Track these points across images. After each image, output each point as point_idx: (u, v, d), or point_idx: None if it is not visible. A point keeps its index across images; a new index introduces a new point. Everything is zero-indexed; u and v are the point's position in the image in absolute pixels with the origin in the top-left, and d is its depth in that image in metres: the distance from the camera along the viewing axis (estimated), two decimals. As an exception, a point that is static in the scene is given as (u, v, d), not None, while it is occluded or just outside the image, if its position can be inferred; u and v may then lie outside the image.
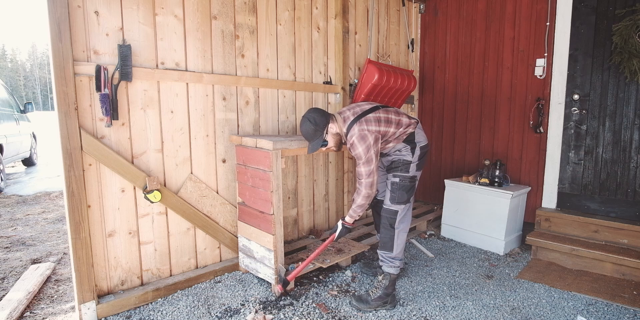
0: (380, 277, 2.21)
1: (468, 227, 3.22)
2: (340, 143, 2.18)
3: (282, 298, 2.22)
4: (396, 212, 2.18)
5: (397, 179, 2.17)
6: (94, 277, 1.95)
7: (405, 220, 2.22)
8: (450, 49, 3.75)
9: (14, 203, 4.52)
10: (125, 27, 1.99)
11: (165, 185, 2.22)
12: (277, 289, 2.20)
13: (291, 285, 2.31)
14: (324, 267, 2.48)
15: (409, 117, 2.20)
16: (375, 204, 2.47)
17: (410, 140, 2.17)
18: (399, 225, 2.19)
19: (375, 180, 2.06)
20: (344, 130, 2.07)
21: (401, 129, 2.13)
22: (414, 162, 2.17)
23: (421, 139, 2.21)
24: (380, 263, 2.23)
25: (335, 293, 2.31)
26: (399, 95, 3.35)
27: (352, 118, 2.06)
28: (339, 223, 2.21)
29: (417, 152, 2.18)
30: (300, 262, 2.45)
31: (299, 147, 2.25)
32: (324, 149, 2.20)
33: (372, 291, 2.18)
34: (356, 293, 2.31)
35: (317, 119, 2.07)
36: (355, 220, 2.19)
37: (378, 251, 2.26)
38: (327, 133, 2.10)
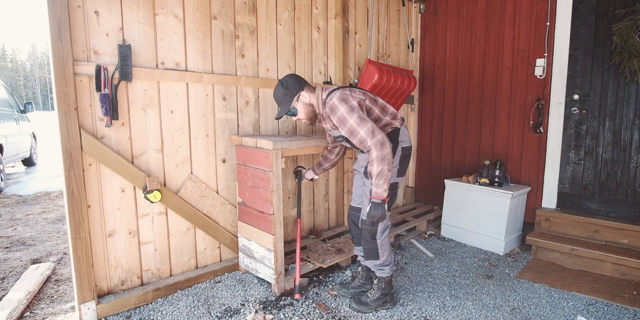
0: (375, 281, 2.19)
1: (468, 227, 3.22)
2: (314, 117, 2.02)
3: (282, 298, 2.22)
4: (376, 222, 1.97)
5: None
6: (94, 277, 1.95)
7: (386, 229, 2.06)
8: (450, 49, 3.75)
9: (14, 203, 4.52)
10: (125, 27, 1.99)
11: (165, 185, 2.22)
12: (298, 296, 2.21)
13: (291, 285, 2.31)
14: (324, 267, 2.48)
15: (395, 110, 2.04)
16: (351, 214, 2.24)
17: (393, 138, 1.96)
18: (380, 236, 2.03)
19: (385, 138, 1.74)
20: (323, 97, 1.92)
21: (387, 118, 1.96)
22: (395, 166, 1.96)
23: (405, 138, 2.01)
24: (373, 270, 2.15)
25: (335, 293, 2.31)
26: (399, 95, 3.35)
27: (335, 87, 1.93)
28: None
29: (399, 153, 1.98)
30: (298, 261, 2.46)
31: (298, 147, 2.25)
32: (294, 119, 2.05)
33: (370, 293, 2.17)
34: (356, 295, 2.27)
35: (290, 83, 1.95)
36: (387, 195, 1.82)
37: (366, 262, 2.12)
38: (297, 101, 1.96)
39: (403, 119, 2.04)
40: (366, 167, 1.92)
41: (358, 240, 2.23)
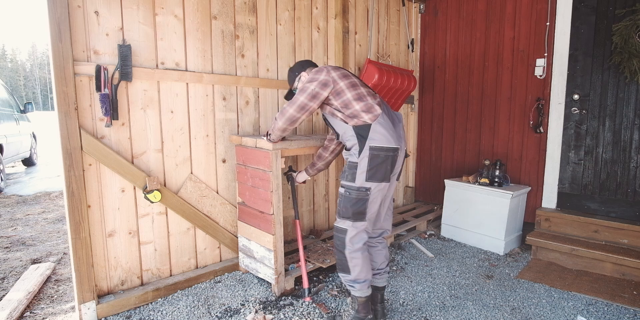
0: (349, 299, 2.02)
1: (468, 227, 3.22)
2: None
3: (282, 298, 2.22)
4: (345, 230, 1.83)
5: (342, 190, 1.83)
6: (94, 277, 1.95)
7: (357, 241, 1.83)
8: (450, 49, 3.75)
9: (14, 203, 4.52)
10: (125, 27, 1.99)
11: (165, 185, 2.22)
12: (308, 299, 2.18)
13: (291, 285, 2.31)
14: (324, 267, 2.48)
15: (378, 105, 1.82)
16: (336, 236, 2.07)
17: (361, 133, 1.77)
18: (350, 247, 1.82)
19: (292, 117, 1.86)
20: None
21: (356, 108, 1.79)
22: (363, 170, 1.75)
23: (378, 137, 1.74)
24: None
25: (335, 293, 2.31)
26: (399, 95, 3.35)
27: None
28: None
29: (366, 152, 1.74)
30: (299, 262, 2.46)
31: (298, 147, 2.25)
32: None
33: (345, 315, 2.00)
34: (330, 314, 2.08)
35: (296, 66, 2.09)
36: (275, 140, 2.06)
37: (339, 274, 1.94)
38: (298, 81, 2.07)
39: (380, 117, 1.79)
40: (345, 167, 1.87)
41: None
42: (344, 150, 1.93)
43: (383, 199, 1.90)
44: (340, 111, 1.84)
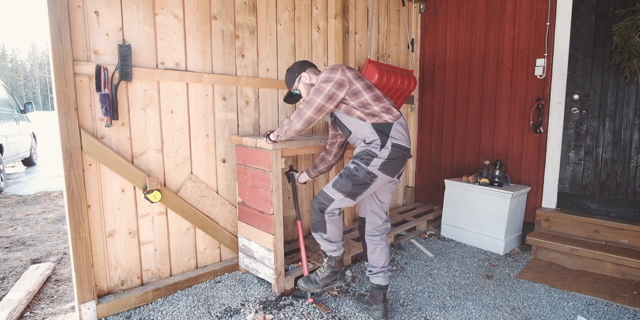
0: (325, 260, 2.09)
1: (468, 227, 3.22)
2: None
3: (282, 298, 2.22)
4: (332, 200, 1.89)
5: (352, 165, 1.86)
6: (94, 277, 1.95)
7: (336, 210, 1.94)
8: (450, 49, 3.75)
9: (14, 203, 4.52)
10: (125, 27, 1.99)
11: (165, 185, 2.22)
12: (310, 301, 2.18)
13: (291, 285, 2.31)
14: (324, 267, 2.48)
15: (395, 108, 1.91)
16: (360, 224, 2.19)
17: (383, 131, 1.83)
18: (329, 212, 1.92)
19: (309, 119, 1.87)
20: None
21: (376, 108, 1.84)
22: (380, 158, 1.81)
23: (399, 136, 1.84)
24: (321, 247, 2.06)
25: (336, 293, 2.31)
26: (399, 95, 3.35)
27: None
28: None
29: (388, 148, 1.81)
30: (300, 262, 2.46)
31: (298, 147, 2.25)
32: (301, 100, 2.11)
33: (320, 271, 2.10)
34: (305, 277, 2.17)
35: (294, 66, 2.06)
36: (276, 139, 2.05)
37: (313, 234, 2.03)
38: (299, 82, 2.03)
39: (400, 117, 1.88)
40: (356, 154, 1.92)
41: (364, 243, 2.16)
42: (361, 144, 1.91)
43: (378, 191, 2.04)
44: (358, 109, 1.86)
